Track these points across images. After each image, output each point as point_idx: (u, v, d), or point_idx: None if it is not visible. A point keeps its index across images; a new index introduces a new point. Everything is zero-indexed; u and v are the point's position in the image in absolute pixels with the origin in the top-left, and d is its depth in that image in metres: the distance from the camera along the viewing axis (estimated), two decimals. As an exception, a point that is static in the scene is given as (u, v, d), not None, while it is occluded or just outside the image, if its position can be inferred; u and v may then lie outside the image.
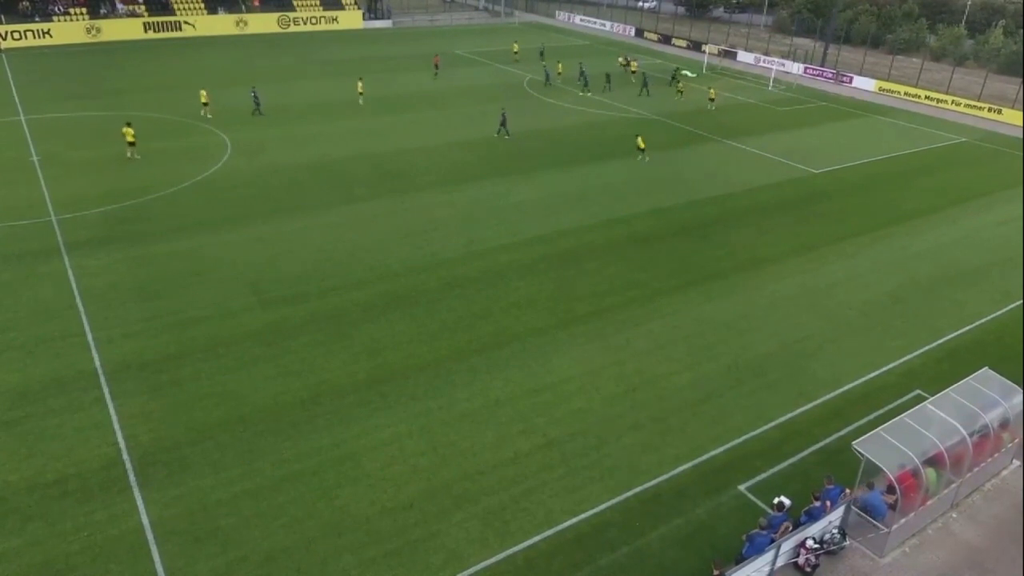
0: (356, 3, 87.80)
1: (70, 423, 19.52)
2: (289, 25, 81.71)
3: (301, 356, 22.83)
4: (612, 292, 27.54)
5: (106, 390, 20.91)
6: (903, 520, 16.41)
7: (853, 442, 16.54)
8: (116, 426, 19.44)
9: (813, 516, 16.15)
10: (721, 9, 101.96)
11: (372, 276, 28.12)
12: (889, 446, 16.31)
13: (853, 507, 16.81)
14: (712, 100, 55.59)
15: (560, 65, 64.24)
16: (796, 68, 71.01)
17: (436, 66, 63.46)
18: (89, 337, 23.49)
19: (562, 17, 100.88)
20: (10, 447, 18.57)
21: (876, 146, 48.30)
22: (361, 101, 52.97)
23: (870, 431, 16.90)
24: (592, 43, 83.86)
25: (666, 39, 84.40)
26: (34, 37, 69.82)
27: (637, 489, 17.88)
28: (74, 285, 26.63)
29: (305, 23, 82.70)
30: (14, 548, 15.72)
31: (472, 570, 15.60)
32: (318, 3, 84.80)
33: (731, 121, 52.55)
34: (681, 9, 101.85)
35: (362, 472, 18.14)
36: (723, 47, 77.55)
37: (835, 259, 31.07)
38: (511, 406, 20.80)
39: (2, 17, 69.29)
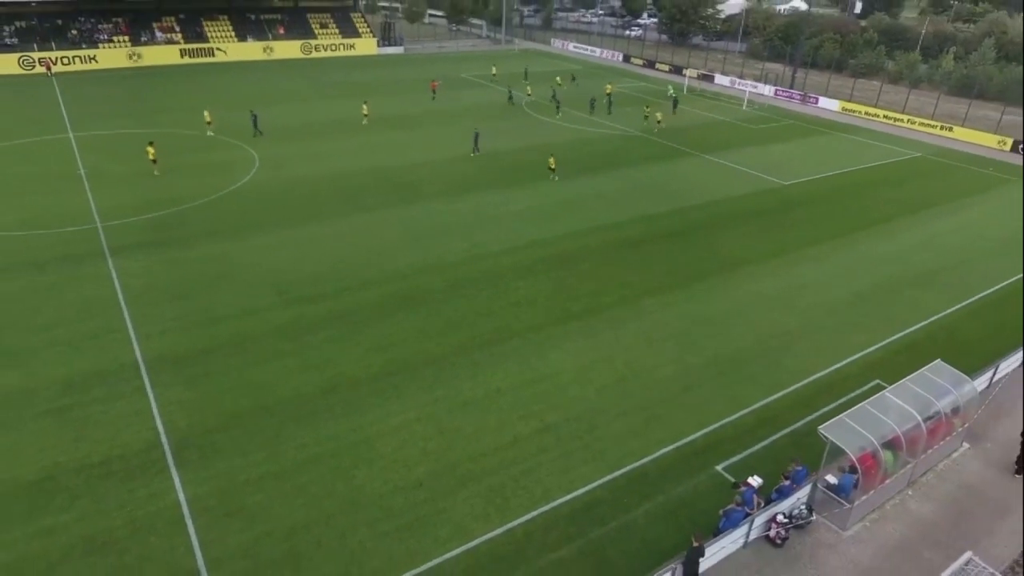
0: (371, 31, 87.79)
1: (114, 410, 19.57)
2: (311, 52, 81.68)
3: (319, 351, 22.84)
4: (604, 292, 27.53)
5: (146, 380, 20.95)
6: (864, 497, 16.44)
7: (819, 427, 16.56)
8: (155, 413, 19.48)
9: (783, 494, 16.19)
10: (700, 37, 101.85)
11: (383, 277, 28.11)
12: (851, 430, 16.34)
13: (819, 485, 16.84)
14: (659, 122, 54.11)
15: (529, 88, 64.15)
16: (768, 90, 71.03)
17: (434, 90, 61.67)
18: (130, 333, 23.52)
19: (557, 44, 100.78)
20: (60, 432, 18.62)
21: (840, 160, 48.27)
22: (365, 121, 52.90)
23: (835, 417, 16.92)
24: (584, 67, 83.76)
25: (651, 64, 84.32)
26: (81, 62, 69.82)
27: (625, 469, 17.93)
28: (117, 285, 26.65)
29: (325, 49, 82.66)
30: (63, 523, 15.80)
31: (476, 542, 15.65)
32: (337, 31, 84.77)
33: (709, 137, 52.53)
34: (664, 37, 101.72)
35: (376, 454, 18.17)
36: (702, 71, 77.53)
37: (806, 262, 31.08)
38: (511, 395, 20.81)
39: (53, 44, 69.28)
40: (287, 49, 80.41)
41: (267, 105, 54.62)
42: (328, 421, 19.44)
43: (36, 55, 68.18)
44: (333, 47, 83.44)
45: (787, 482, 16.45)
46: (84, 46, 70.77)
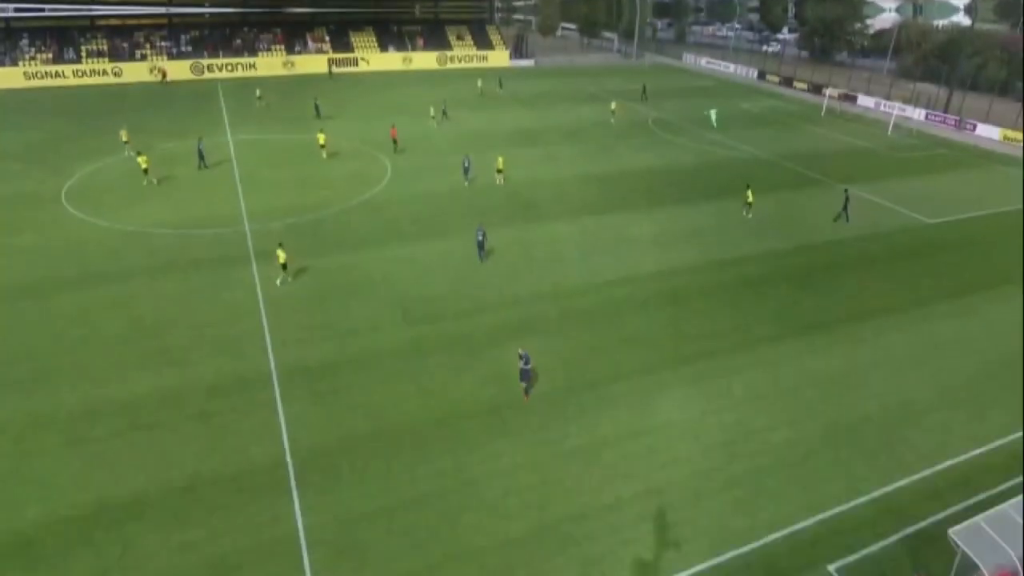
0: (504, 44, 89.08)
1: (248, 421, 20.81)
2: (446, 63, 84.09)
3: (434, 376, 23.25)
4: (717, 335, 26.32)
5: (277, 392, 22.16)
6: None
7: (950, 529, 14.95)
8: (283, 428, 20.56)
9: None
10: (844, 54, 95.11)
11: (500, 302, 28.24)
12: (988, 540, 14.61)
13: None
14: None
15: (614, 105, 62.02)
16: (917, 114, 65.32)
17: (394, 140, 49.21)
18: (267, 339, 25.01)
19: (689, 60, 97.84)
20: (203, 438, 20.02)
21: (997, 198, 43.22)
22: (435, 124, 55.03)
23: (969, 520, 15.18)
24: (715, 85, 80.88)
25: (787, 82, 79.99)
26: (243, 69, 75.77)
27: (729, 555, 16.62)
28: (259, 291, 28.46)
29: (460, 61, 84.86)
30: (198, 539, 16.62)
31: (569, 618, 15.08)
32: (472, 44, 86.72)
33: (847, 165, 49.01)
34: (804, 53, 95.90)
35: (480, 500, 18.09)
36: (844, 91, 72.54)
37: (946, 317, 28.07)
38: (617, 448, 20.18)
39: (220, 52, 75.58)
40: (424, 60, 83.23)
41: (401, 115, 56.68)
42: (438, 455, 19.63)
43: (158, 63, 74.51)
44: (468, 58, 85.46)
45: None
46: (246, 54, 76.63)
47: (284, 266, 28.65)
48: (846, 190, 39.22)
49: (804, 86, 77.06)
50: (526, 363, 21.57)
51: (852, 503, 18.30)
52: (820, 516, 17.85)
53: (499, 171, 42.42)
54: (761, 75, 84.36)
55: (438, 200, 39.57)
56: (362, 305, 27.67)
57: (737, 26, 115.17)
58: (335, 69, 77.94)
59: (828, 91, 71.44)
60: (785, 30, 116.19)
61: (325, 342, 25.11)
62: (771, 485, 18.93)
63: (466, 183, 41.97)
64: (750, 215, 38.02)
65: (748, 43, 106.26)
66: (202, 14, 77.10)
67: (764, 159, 49.80)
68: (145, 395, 21.91)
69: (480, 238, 31.18)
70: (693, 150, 51.75)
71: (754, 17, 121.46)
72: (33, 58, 70.13)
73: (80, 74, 70.72)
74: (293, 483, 18.52)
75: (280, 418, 21.07)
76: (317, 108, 56.39)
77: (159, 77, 71.75)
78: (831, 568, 16.33)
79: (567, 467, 19.45)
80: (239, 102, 62.86)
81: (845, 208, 37.66)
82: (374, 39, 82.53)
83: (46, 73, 69.65)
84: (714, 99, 68.92)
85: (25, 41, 70.83)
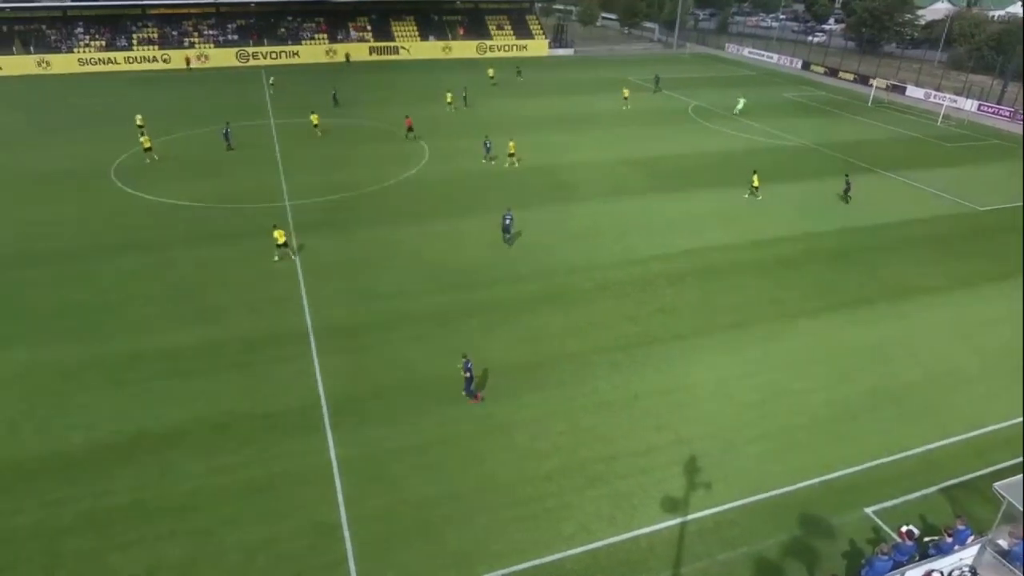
0: (544, 33, 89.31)
1: (284, 370, 21.55)
2: (485, 52, 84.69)
3: (467, 337, 23.59)
4: (753, 307, 26.12)
5: (313, 346, 22.84)
6: (1043, 570, 14.27)
7: (995, 483, 14.59)
8: (318, 377, 21.20)
9: (942, 551, 14.48)
10: (894, 44, 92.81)
11: (534, 273, 28.53)
12: (1034, 493, 14.21)
13: (988, 548, 14.86)
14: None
15: (626, 92, 61.47)
16: (969, 105, 63.45)
17: (410, 128, 48.57)
18: (304, 302, 25.75)
19: (731, 49, 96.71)
20: (240, 383, 20.84)
21: (1052, 186, 41.99)
22: (450, 109, 55.60)
23: (1015, 476, 14.81)
24: (758, 75, 79.79)
25: (833, 72, 78.44)
26: (286, 57, 77.50)
27: (761, 496, 16.85)
28: (297, 259, 29.27)
29: (499, 50, 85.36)
30: (230, 464, 17.65)
31: (598, 544, 15.48)
32: (511, 33, 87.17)
33: (893, 153, 47.91)
34: (851, 43, 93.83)
35: (510, 442, 18.53)
36: (892, 82, 70.85)
37: (993, 298, 27.39)
38: (648, 402, 20.34)
39: (265, 40, 77.41)
40: (464, 48, 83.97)
41: (438, 101, 57.40)
42: (468, 404, 20.07)
43: (197, 50, 76.36)
44: (507, 47, 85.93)
45: (949, 539, 14.68)
46: (290, 42, 78.38)
47: (282, 245, 29.24)
48: (847, 174, 39.11)
49: (850, 76, 75.50)
50: (467, 371, 19.77)
51: (891, 457, 18.21)
52: (857, 467, 17.84)
53: (511, 155, 42.93)
54: (806, 65, 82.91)
55: (473, 180, 39.97)
56: (396, 274, 28.19)
57: (782, 16, 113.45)
58: (379, 56, 79.13)
59: (875, 81, 69.86)
60: (831, 20, 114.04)
61: (359, 305, 25.68)
62: (806, 439, 18.89)
63: (484, 161, 43.02)
64: (759, 197, 37.64)
65: (793, 33, 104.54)
66: (248, 3, 79.08)
67: (806, 147, 48.97)
68: (185, 346, 22.75)
69: (507, 222, 31.05)
70: (732, 137, 51.18)
71: (799, 7, 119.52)
72: (87, 45, 72.86)
73: (131, 60, 73.26)
74: (327, 422, 19.12)
75: (315, 368, 21.66)
76: (335, 98, 57.33)
77: (185, 64, 74.08)
78: (868, 510, 16.32)
79: (597, 417, 19.65)
80: (280, 89, 64.29)
81: (847, 191, 37.68)
82: (415, 28, 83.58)
83: (99, 59, 72.35)
84: (755, 88, 68.05)
85: (80, 29, 73.64)
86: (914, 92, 68.96)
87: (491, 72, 69.42)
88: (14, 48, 70.69)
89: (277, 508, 16.23)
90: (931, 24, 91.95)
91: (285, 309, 25.21)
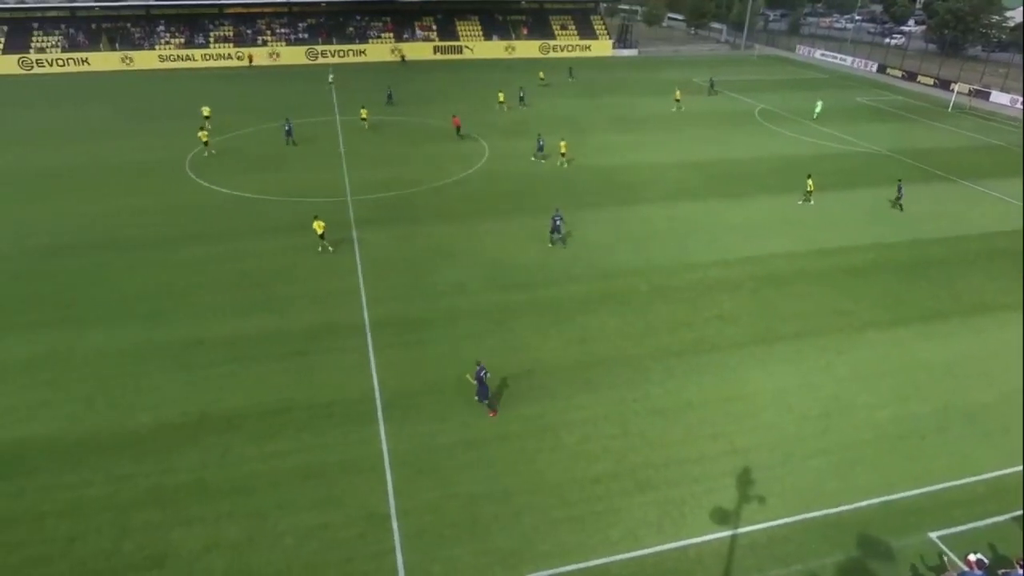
0: (608, 34, 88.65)
1: (341, 361, 22.06)
2: (549, 52, 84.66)
3: (521, 336, 23.67)
4: (817, 317, 25.25)
5: (369, 339, 23.28)
6: None
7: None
8: (373, 369, 21.61)
9: (1014, 581, 13.70)
10: (978, 48, 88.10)
11: (590, 274, 28.35)
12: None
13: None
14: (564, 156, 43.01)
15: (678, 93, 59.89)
16: (1061, 111, 59.76)
17: (457, 128, 49.11)
18: (362, 295, 26.27)
19: (802, 51, 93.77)
20: (299, 372, 21.44)
21: None
22: (503, 108, 53.75)
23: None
24: (829, 77, 77.12)
25: (911, 76, 75.07)
26: (353, 55, 79.36)
27: (818, 512, 16.27)
28: (357, 253, 29.90)
29: (562, 50, 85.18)
30: (286, 450, 18.18)
31: (645, 552, 15.26)
32: (575, 33, 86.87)
33: (974, 162, 45.47)
34: (931, 46, 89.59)
35: (560, 443, 18.46)
36: (975, 86, 67.33)
37: (1083, 319, 25.74)
38: (702, 410, 19.94)
39: (333, 39, 79.46)
40: (527, 48, 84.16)
41: (495, 101, 57.70)
42: (520, 403, 20.11)
43: (246, 50, 78.47)
44: (570, 47, 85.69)
45: (1020, 570, 13.87)
46: (357, 41, 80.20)
47: (322, 236, 29.80)
48: (899, 180, 37.48)
49: (930, 81, 72.10)
50: (480, 375, 19.31)
51: (960, 481, 17.30)
52: (923, 489, 17.02)
53: (562, 155, 42.70)
54: (881, 68, 79.61)
55: (530, 180, 40.00)
56: (454, 270, 28.46)
57: (858, 17, 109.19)
58: (443, 55, 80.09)
59: (956, 86, 66.53)
60: (911, 22, 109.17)
61: (416, 300, 26.04)
62: (869, 456, 18.14)
63: (533, 158, 43.21)
64: (811, 203, 36.40)
65: (869, 35, 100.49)
66: (319, 2, 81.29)
67: (879, 153, 47.05)
68: (247, 334, 23.56)
69: (557, 222, 30.82)
70: (799, 142, 49.61)
71: (877, 8, 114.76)
72: (168, 43, 76.31)
73: (207, 58, 76.37)
74: (380, 415, 19.47)
75: (371, 360, 22.09)
76: (389, 96, 58.13)
77: (247, 62, 76.58)
78: (933, 535, 15.56)
79: (650, 423, 19.37)
80: (345, 86, 65.80)
81: (898, 199, 36.27)
82: (479, 28, 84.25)
83: (178, 56, 75.71)
84: (827, 92, 65.79)
85: (162, 27, 77.20)
86: (999, 98, 65.37)
87: (541, 74, 69.32)
88: (101, 45, 74.65)
89: (330, 495, 16.63)
90: (1019, 26, 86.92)
91: (344, 301, 25.79)
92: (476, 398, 19.68)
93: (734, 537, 15.67)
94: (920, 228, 33.86)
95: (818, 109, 56.19)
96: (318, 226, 29.69)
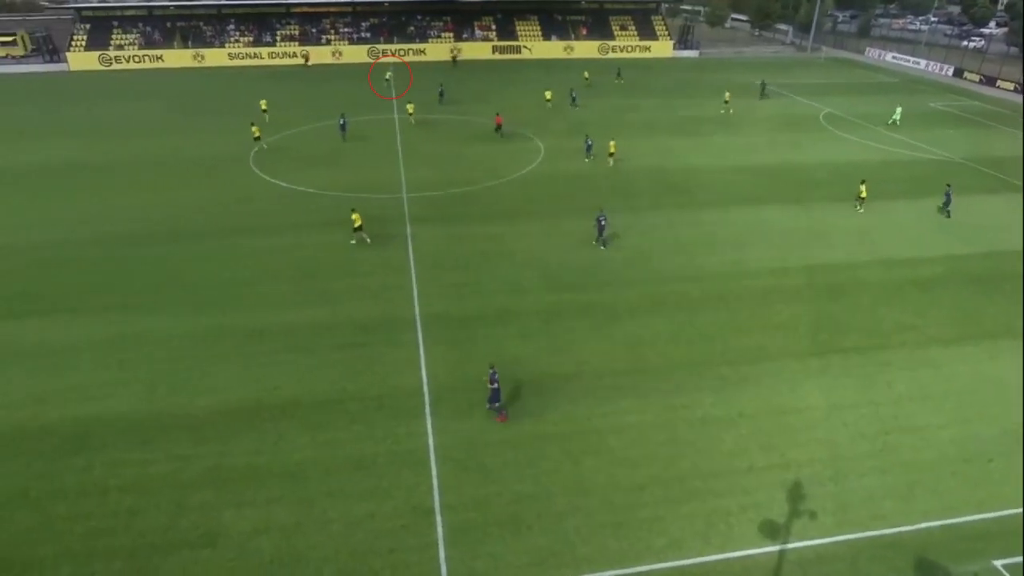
0: (668, 34, 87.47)
1: (392, 355, 22.48)
2: (608, 52, 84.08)
3: (570, 337, 23.64)
4: (880, 330, 24.37)
5: (420, 334, 23.65)
6: None
7: None
8: (423, 364, 21.94)
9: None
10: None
11: (643, 278, 28.08)
12: None
13: None
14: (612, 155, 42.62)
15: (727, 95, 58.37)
16: None
17: (498, 126, 49.11)
18: (414, 291, 26.69)
19: (872, 54, 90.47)
20: (352, 364, 21.95)
21: None
22: (548, 107, 52.84)
23: None
24: (900, 81, 74.20)
25: (989, 80, 71.56)
26: (413, 54, 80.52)
27: (872, 532, 15.73)
28: (410, 249, 30.37)
29: (622, 51, 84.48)
30: (337, 439, 18.66)
31: (690, 562, 15.05)
32: (635, 34, 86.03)
33: (1056, 172, 43.13)
34: (1013, 49, 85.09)
35: (605, 447, 18.37)
36: (1060, 92, 63.77)
37: None
38: (754, 421, 19.51)
39: (394, 38, 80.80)
40: (586, 48, 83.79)
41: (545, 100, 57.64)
42: (565, 404, 20.10)
43: (304, 49, 79.84)
44: (629, 48, 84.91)
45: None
46: (417, 40, 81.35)
47: (359, 228, 30.30)
48: (948, 185, 36.10)
49: (1010, 86, 68.59)
50: (493, 382, 18.96)
51: (1030, 508, 16.34)
52: (988, 514, 16.28)
53: (611, 154, 42.45)
54: (958, 72, 76.10)
55: (584, 181, 39.83)
56: (506, 270, 28.62)
57: (933, 19, 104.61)
58: (501, 55, 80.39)
59: (1040, 92, 63.18)
60: (992, 24, 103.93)
61: (467, 298, 26.30)
62: (929, 478, 17.42)
63: (587, 160, 43.22)
64: (861, 209, 35.31)
65: (945, 37, 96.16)
66: (382, 2, 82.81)
67: (952, 161, 45.04)
68: (303, 325, 24.23)
69: (602, 223, 30.54)
70: (867, 148, 47.90)
71: (955, 9, 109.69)
72: (237, 41, 79.03)
73: (274, 56, 78.77)
74: (428, 410, 19.77)
75: (420, 356, 22.42)
76: (441, 94, 58.99)
77: (304, 60, 78.46)
78: (997, 563, 14.86)
79: (699, 431, 19.08)
80: (405, 83, 66.81)
81: (946, 204, 35.23)
82: (538, 27, 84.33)
83: (246, 54, 78.36)
84: (898, 96, 63.31)
85: (232, 26, 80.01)
86: (1087, 105, 61.75)
87: (586, 75, 69.02)
88: (175, 43, 77.86)
89: (378, 486, 16.97)
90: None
91: (396, 296, 26.25)
92: (487, 405, 19.41)
93: (782, 552, 15.30)
94: (996, 240, 32.30)
95: (897, 115, 54.07)
96: (356, 218, 30.30)
